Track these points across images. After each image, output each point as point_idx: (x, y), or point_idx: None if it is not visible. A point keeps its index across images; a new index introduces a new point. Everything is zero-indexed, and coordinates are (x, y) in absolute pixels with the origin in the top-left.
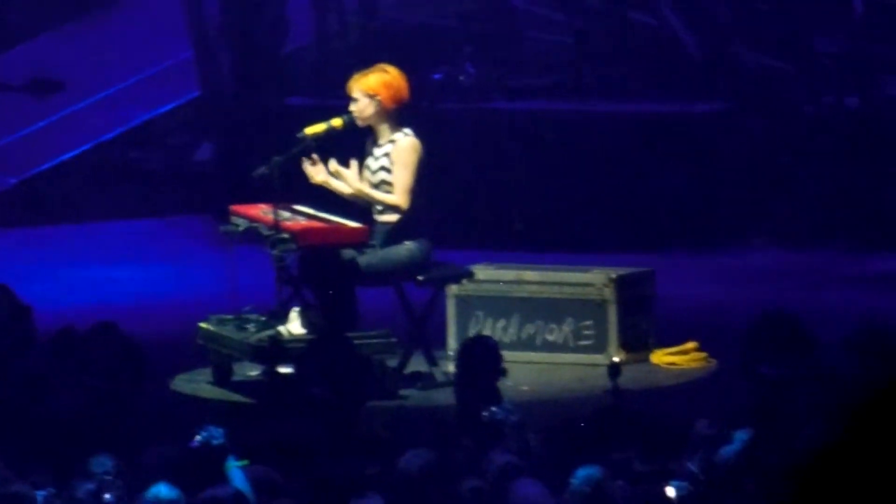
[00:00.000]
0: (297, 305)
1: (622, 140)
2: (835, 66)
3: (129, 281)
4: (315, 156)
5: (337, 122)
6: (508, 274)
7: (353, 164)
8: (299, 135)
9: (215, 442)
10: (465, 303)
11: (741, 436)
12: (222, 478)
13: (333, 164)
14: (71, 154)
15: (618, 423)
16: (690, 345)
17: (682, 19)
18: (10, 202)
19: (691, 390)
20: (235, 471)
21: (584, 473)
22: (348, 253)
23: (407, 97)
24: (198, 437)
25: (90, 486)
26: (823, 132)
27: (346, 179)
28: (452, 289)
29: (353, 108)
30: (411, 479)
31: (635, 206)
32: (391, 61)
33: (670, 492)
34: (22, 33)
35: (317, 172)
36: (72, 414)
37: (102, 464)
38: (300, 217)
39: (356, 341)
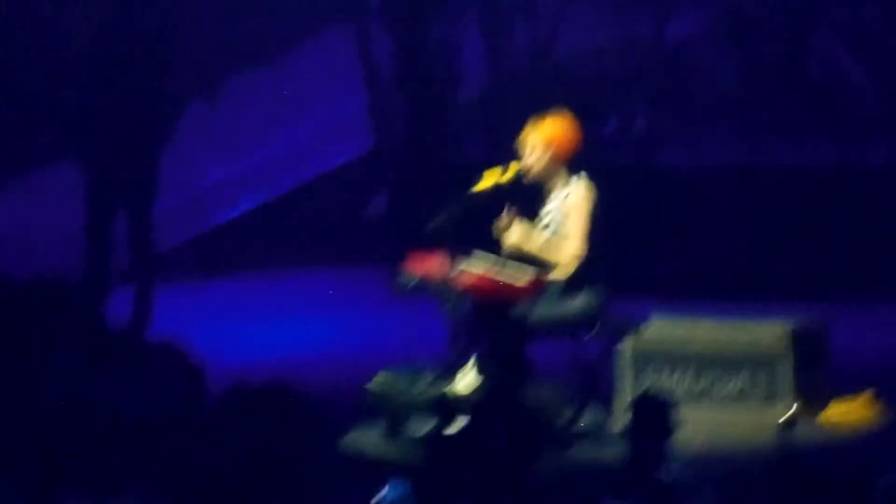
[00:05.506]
0: (470, 359)
1: (797, 192)
2: None
3: (301, 334)
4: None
5: (504, 176)
6: (682, 327)
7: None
8: (470, 191)
9: (397, 495)
10: (638, 356)
11: None
12: None
13: (519, 224)
14: (248, 208)
15: (793, 479)
16: (866, 394)
17: (860, 61)
18: (187, 258)
19: (868, 444)
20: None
21: None
22: (521, 306)
23: (580, 146)
24: (383, 492)
25: None
26: None
27: (530, 242)
28: (626, 341)
29: (527, 159)
30: None
31: (812, 257)
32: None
33: None
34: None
35: (509, 235)
36: (243, 471)
37: None
38: (474, 269)
39: (528, 395)
